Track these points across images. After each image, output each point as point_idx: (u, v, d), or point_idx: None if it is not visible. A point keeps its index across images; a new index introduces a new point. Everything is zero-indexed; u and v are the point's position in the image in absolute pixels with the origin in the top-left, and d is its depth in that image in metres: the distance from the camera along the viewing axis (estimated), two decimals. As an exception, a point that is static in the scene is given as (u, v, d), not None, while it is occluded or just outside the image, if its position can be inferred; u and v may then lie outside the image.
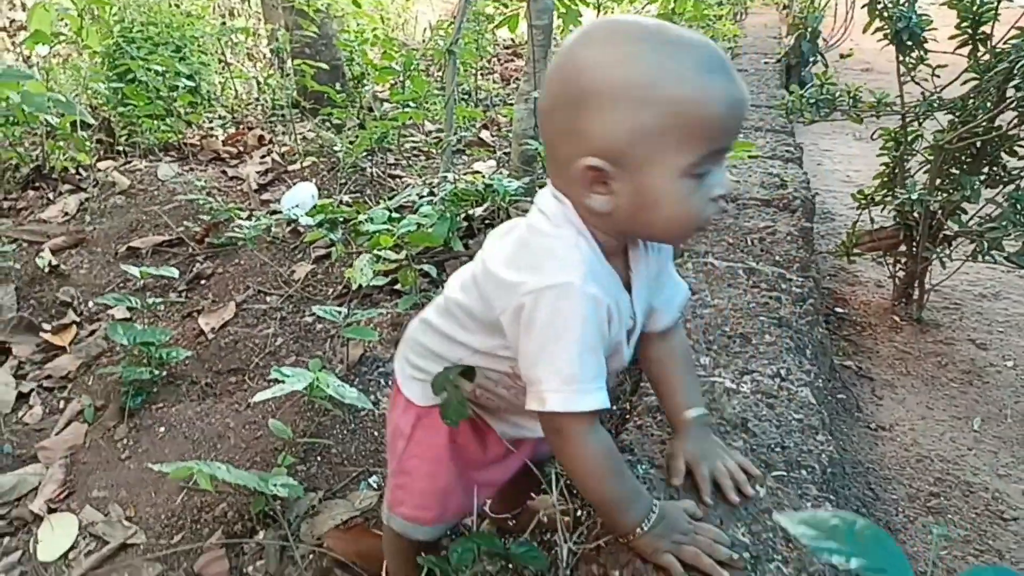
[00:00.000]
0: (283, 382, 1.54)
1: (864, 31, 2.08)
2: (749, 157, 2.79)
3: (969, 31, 1.91)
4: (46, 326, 2.42)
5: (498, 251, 1.00)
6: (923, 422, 1.77)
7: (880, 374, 1.95)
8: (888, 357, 2.03)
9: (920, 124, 2.09)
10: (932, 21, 1.95)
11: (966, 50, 1.95)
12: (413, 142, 3.82)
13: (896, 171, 2.18)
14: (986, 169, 2.04)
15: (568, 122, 0.88)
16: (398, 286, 2.33)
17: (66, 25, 3.53)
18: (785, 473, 1.18)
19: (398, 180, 3.30)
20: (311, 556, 1.59)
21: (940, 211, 1.99)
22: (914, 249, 2.14)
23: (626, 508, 0.97)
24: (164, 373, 2.11)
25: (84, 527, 1.71)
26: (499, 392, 1.09)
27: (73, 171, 3.36)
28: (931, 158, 2.08)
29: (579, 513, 1.21)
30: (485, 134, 4.14)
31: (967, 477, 1.58)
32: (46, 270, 2.64)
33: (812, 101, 2.02)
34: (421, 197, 2.62)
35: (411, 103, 3.09)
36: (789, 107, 2.10)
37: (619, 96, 0.84)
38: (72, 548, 1.67)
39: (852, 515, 0.76)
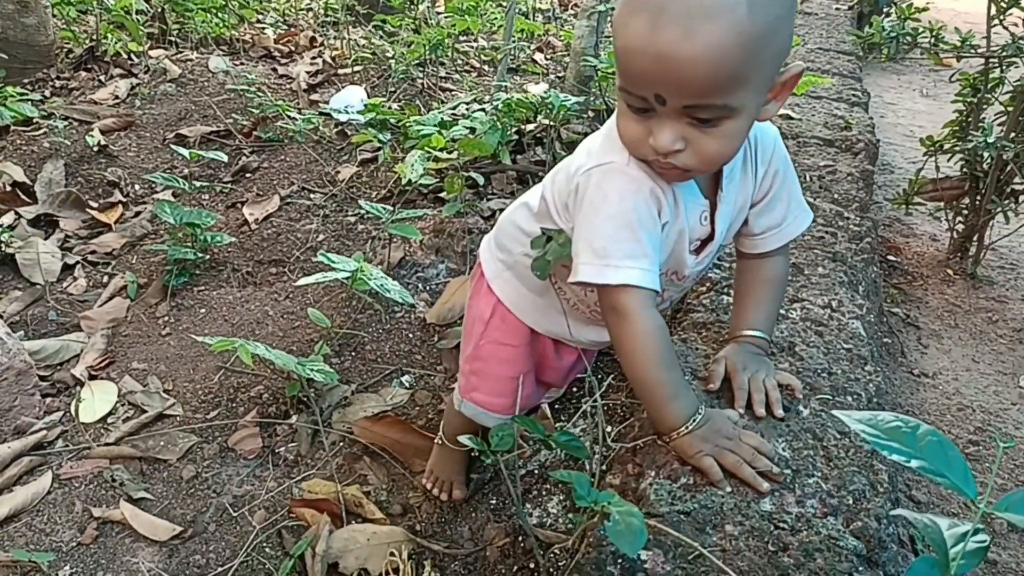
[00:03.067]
0: (330, 268, 1.54)
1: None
2: (814, 97, 2.69)
3: (1072, -29, 1.79)
4: (93, 203, 2.45)
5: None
6: (967, 374, 1.74)
7: (928, 324, 1.91)
8: (937, 308, 1.98)
9: (1003, 70, 1.98)
10: (1033, -43, 1.83)
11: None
12: (465, 57, 3.73)
13: (969, 119, 2.08)
14: (1067, 124, 1.94)
15: None
16: (443, 194, 2.31)
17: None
18: (831, 398, 1.16)
19: (449, 93, 3.24)
20: (341, 443, 1.61)
21: (1012, 161, 1.90)
22: (978, 201, 2.06)
23: (671, 401, 0.96)
24: (207, 257, 2.13)
25: (123, 395, 1.75)
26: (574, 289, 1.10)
27: (125, 56, 3.34)
28: (1010, 108, 1.99)
29: (608, 429, 1.21)
30: (539, 56, 4.04)
31: (1008, 430, 1.55)
32: (95, 149, 2.65)
33: (893, 35, 1.92)
34: (471, 109, 2.57)
35: (467, 13, 3.01)
36: (867, 40, 2.00)
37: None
38: (111, 413, 1.71)
39: (915, 420, 0.74)
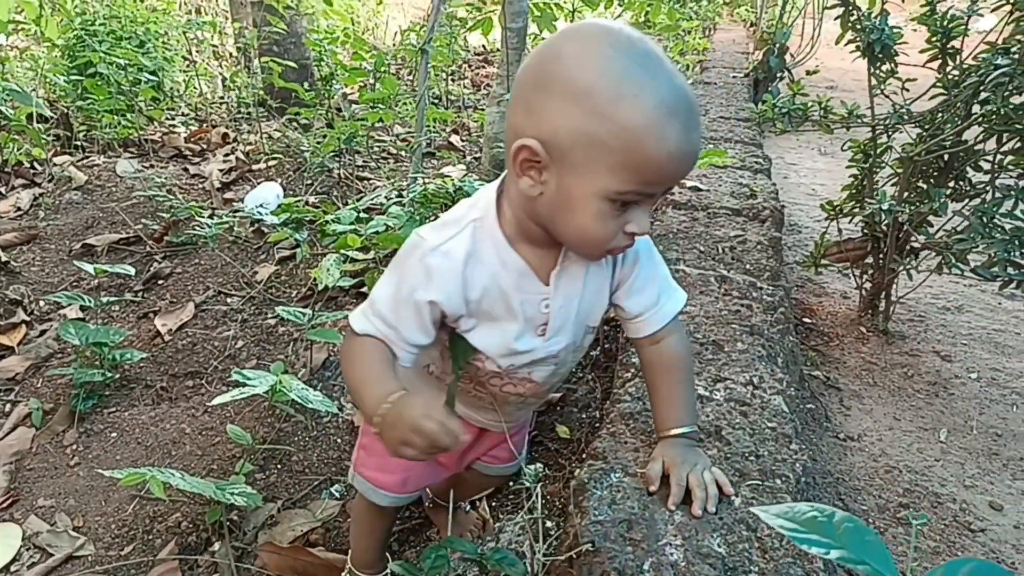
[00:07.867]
0: (244, 385, 1.48)
1: (836, 43, 2.09)
2: (719, 167, 2.80)
3: (939, 45, 1.92)
4: (-7, 325, 2.32)
5: None
6: (890, 433, 1.77)
7: (847, 384, 1.96)
8: (855, 368, 2.03)
9: (889, 136, 2.10)
10: (903, 35, 1.96)
11: (936, 64, 1.97)
12: (381, 144, 3.76)
13: (864, 183, 2.19)
14: (952, 183, 2.05)
15: (529, 98, 0.88)
16: (364, 288, 2.28)
17: (24, 15, 3.42)
18: (760, 482, 1.16)
19: (366, 182, 3.24)
20: (266, 571, 1.53)
21: (908, 223, 2.00)
22: (881, 261, 2.15)
23: (365, 393, 0.94)
24: (117, 376, 2.03)
25: (28, 537, 1.63)
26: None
27: (28, 165, 3.24)
28: (899, 171, 2.10)
29: (548, 524, 1.17)
30: (455, 139, 4.10)
31: (935, 488, 1.58)
32: (-5, 267, 2.53)
33: (784, 111, 2.02)
34: (389, 199, 2.58)
35: (380, 103, 3.04)
36: (761, 117, 2.10)
37: (579, 96, 0.83)
38: (15, 560, 1.58)
39: (830, 508, 0.74)
